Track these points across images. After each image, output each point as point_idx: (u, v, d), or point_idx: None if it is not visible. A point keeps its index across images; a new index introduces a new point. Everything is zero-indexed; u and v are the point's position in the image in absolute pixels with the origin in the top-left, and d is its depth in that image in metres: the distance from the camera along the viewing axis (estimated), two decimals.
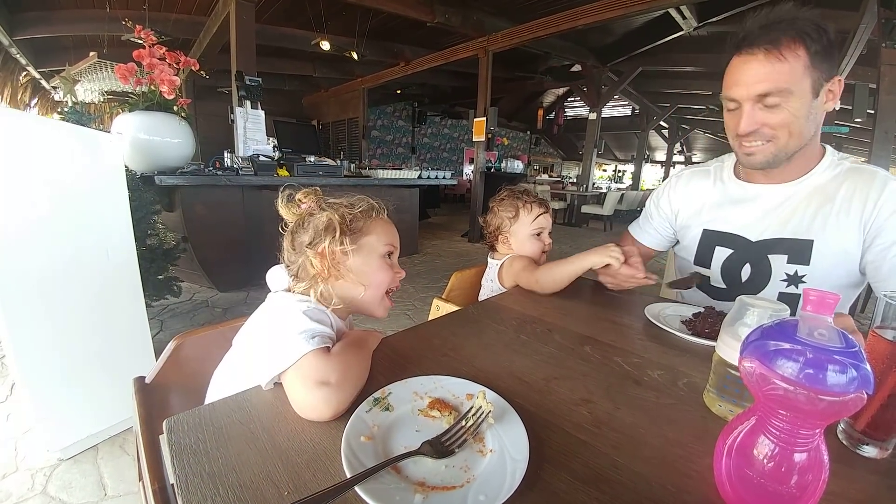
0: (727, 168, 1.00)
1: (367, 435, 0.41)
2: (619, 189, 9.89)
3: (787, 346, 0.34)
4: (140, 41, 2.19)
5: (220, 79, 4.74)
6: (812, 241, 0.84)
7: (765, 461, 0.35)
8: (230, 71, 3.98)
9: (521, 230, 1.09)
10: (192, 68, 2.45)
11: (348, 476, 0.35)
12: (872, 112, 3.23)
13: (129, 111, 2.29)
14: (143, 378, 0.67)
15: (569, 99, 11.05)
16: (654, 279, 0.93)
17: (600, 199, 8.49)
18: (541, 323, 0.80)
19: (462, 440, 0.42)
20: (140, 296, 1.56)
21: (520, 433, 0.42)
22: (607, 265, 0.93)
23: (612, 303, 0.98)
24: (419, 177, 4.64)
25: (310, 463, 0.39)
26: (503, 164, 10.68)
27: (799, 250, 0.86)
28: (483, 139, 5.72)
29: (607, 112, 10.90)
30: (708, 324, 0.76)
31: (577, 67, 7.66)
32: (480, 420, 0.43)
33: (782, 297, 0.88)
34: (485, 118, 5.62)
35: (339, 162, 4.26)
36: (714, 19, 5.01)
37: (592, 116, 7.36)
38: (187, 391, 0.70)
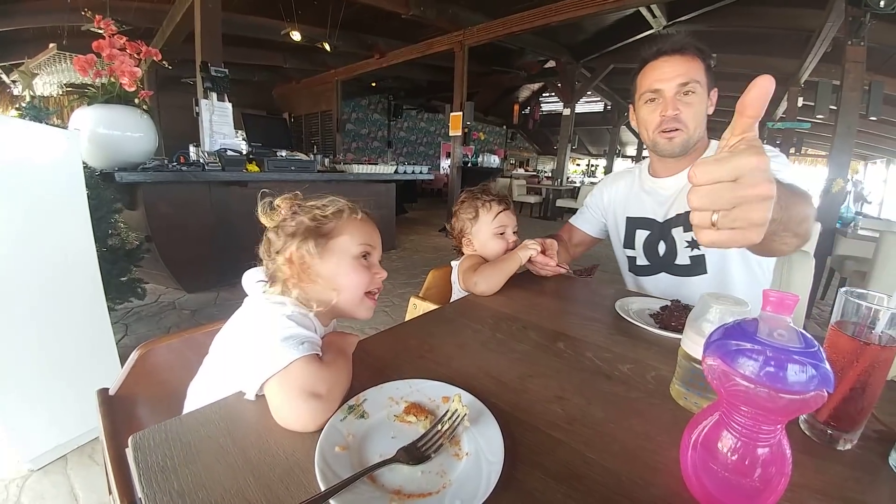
0: (643, 168, 1.20)
1: (342, 445, 0.40)
2: (592, 183, 10.11)
3: (748, 345, 0.35)
4: (100, 31, 2.10)
5: (184, 69, 4.52)
6: None
7: (729, 455, 0.36)
8: (195, 61, 3.81)
9: (483, 230, 1.09)
10: (154, 59, 2.35)
11: (322, 489, 0.34)
12: (835, 108, 3.35)
13: (88, 104, 2.18)
14: (106, 390, 0.64)
15: (543, 94, 11.17)
16: (566, 269, 1.08)
17: (574, 192, 8.66)
18: (516, 320, 0.81)
19: (438, 445, 0.42)
20: (102, 299, 1.49)
21: (495, 434, 0.43)
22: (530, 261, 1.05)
23: (585, 298, 1.00)
24: (395, 172, 4.60)
25: (283, 477, 0.38)
26: (480, 159, 10.70)
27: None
28: (460, 134, 5.72)
29: (581, 108, 11.07)
30: (674, 317, 0.79)
31: (550, 63, 7.75)
32: (456, 423, 0.43)
33: (693, 260, 1.05)
34: (461, 113, 5.61)
35: (312, 156, 4.15)
36: (683, 18, 5.16)
37: (566, 112, 7.47)
38: (155, 402, 0.67)
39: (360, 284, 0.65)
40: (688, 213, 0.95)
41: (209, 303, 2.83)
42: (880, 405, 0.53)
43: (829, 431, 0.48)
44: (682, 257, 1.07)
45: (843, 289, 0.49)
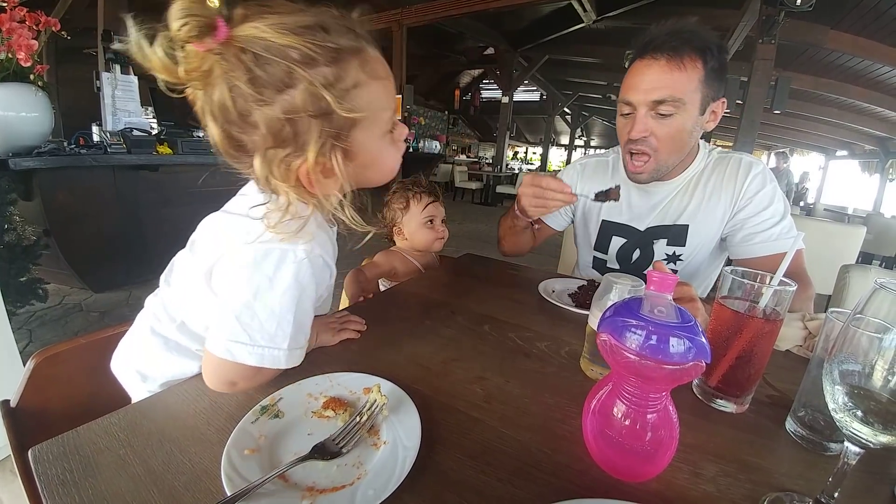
0: (622, 166, 1.06)
1: (252, 447, 0.39)
2: (529, 170, 10.48)
3: (633, 321, 0.39)
4: (3, 5, 1.87)
5: (86, 38, 3.92)
6: (687, 225, 0.99)
7: (622, 420, 0.40)
8: (97, 29, 3.34)
9: (413, 220, 1.14)
10: (53, 29, 2.07)
11: (228, 494, 0.33)
12: (740, 102, 3.66)
13: None
14: (8, 401, 0.59)
15: (483, 81, 11.28)
16: (576, 199, 0.84)
17: (513, 179, 8.93)
18: (445, 306, 0.83)
19: (356, 437, 0.42)
20: (0, 303, 1.34)
21: (413, 420, 0.44)
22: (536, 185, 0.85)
23: (512, 281, 1.05)
24: None
25: (189, 485, 0.37)
26: (421, 144, 10.59)
27: (677, 234, 1.00)
28: (399, 118, 5.62)
29: (518, 96, 11.36)
30: (589, 296, 0.86)
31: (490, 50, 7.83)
32: (375, 413, 0.44)
33: None
34: (400, 96, 5.50)
35: None
36: (612, 14, 5.43)
37: (505, 100, 7.63)
38: (63, 411, 0.62)
39: (394, 163, 0.53)
40: (674, 226, 0.98)
41: (120, 302, 2.55)
42: (776, 373, 0.61)
43: (720, 395, 0.53)
44: None
45: (728, 268, 0.55)
